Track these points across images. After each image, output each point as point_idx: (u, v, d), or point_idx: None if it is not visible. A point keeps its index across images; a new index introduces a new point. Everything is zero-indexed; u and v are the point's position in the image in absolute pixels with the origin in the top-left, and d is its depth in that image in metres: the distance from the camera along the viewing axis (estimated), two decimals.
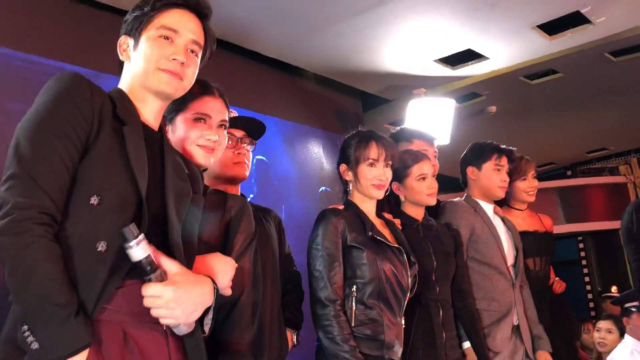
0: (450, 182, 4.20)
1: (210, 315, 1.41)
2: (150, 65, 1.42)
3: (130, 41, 1.46)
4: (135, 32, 1.45)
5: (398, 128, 3.08)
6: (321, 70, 4.42)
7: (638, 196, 7.06)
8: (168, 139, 1.54)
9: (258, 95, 4.03)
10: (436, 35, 3.94)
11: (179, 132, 1.72)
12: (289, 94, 4.33)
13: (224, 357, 1.63)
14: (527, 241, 3.06)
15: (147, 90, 1.44)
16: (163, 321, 1.28)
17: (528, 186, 3.16)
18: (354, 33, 3.80)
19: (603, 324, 4.27)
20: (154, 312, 1.26)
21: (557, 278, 3.19)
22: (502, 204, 3.24)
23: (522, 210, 3.22)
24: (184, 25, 1.46)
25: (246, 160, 2.06)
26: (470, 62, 4.40)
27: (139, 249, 1.20)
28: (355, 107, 5.01)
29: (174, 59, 1.43)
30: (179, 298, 1.26)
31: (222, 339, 1.65)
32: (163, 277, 1.26)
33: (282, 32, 3.71)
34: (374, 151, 2.27)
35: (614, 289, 6.42)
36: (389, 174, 2.29)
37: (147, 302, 1.25)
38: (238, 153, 2.03)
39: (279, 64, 4.20)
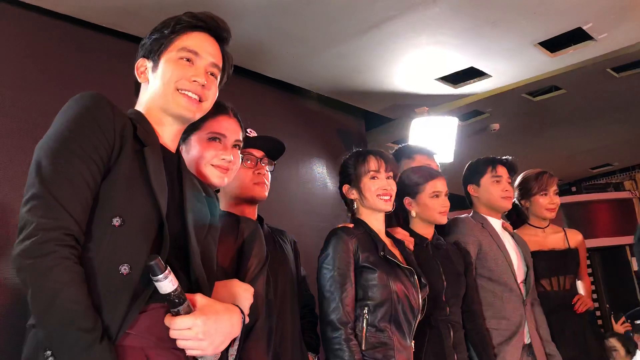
0: (455, 200, 4.18)
1: (236, 346, 1.39)
2: (169, 87, 1.41)
3: (149, 64, 1.46)
4: (154, 55, 1.44)
5: (398, 146, 3.08)
6: (324, 90, 4.41)
7: None
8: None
9: (261, 116, 4.02)
10: (438, 54, 3.94)
11: (193, 151, 1.70)
12: (291, 114, 4.33)
13: None
14: (541, 261, 3.00)
15: (165, 113, 1.43)
16: (190, 352, 1.26)
17: (549, 202, 3.11)
18: (356, 53, 3.80)
19: (608, 342, 4.23)
20: (181, 344, 1.24)
21: (580, 295, 3.09)
22: (522, 222, 3.20)
23: (542, 227, 3.17)
24: (204, 48, 1.46)
25: (266, 181, 2.05)
26: (472, 80, 4.39)
27: (167, 282, 1.18)
28: (358, 126, 5.00)
29: (194, 81, 1.42)
30: (208, 330, 1.25)
31: None
32: (191, 309, 1.25)
33: (285, 53, 3.71)
34: (373, 163, 2.27)
35: None
36: (392, 185, 2.28)
37: (175, 334, 1.23)
38: (258, 173, 2.02)
39: (282, 84, 4.20)
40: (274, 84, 4.17)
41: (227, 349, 1.36)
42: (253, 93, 4.06)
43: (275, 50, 3.68)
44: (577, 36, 3.81)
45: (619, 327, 3.98)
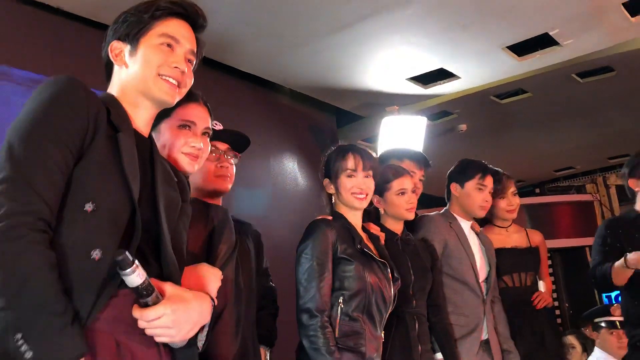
0: (422, 199, 4.27)
1: (204, 332, 1.41)
2: (151, 72, 1.42)
3: (126, 47, 1.45)
4: (132, 38, 1.44)
5: (392, 148, 3.11)
6: (297, 87, 4.46)
7: (604, 214, 7.23)
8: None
9: (233, 110, 4.04)
10: (409, 55, 4.02)
11: (163, 138, 1.71)
12: (264, 109, 4.36)
13: None
14: (503, 258, 3.09)
15: (143, 97, 1.44)
16: (158, 339, 1.28)
17: (507, 204, 3.19)
18: (330, 51, 3.86)
19: (565, 340, 4.37)
20: (150, 332, 1.25)
21: (540, 291, 3.20)
22: (485, 222, 3.28)
23: (504, 227, 3.27)
24: (182, 34, 1.48)
25: (229, 174, 2.06)
26: (441, 81, 4.48)
27: (135, 276, 1.18)
28: (330, 123, 5.06)
29: (175, 67, 1.44)
30: (177, 319, 1.26)
31: (207, 353, 1.61)
32: (159, 298, 1.25)
33: (260, 47, 3.75)
34: (351, 162, 2.32)
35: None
36: (369, 183, 2.33)
37: (143, 325, 1.24)
38: (221, 166, 2.03)
39: (255, 79, 4.23)
40: (247, 78, 4.20)
41: (196, 335, 1.37)
42: (226, 86, 4.08)
43: (250, 44, 3.70)
44: (544, 41, 3.93)
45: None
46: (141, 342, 1.27)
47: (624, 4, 3.54)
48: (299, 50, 3.84)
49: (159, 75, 1.43)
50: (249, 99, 4.25)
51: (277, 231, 3.75)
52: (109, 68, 1.50)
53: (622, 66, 4.40)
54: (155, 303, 1.24)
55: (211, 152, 2.00)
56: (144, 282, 1.20)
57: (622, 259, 2.65)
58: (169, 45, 1.45)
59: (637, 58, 4.22)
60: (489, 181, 2.95)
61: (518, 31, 3.78)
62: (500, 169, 3.12)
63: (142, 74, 1.43)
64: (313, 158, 4.52)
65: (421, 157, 2.99)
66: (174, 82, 1.45)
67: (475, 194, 2.93)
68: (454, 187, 3.01)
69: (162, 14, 1.46)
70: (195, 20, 1.54)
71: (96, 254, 1.19)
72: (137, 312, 1.24)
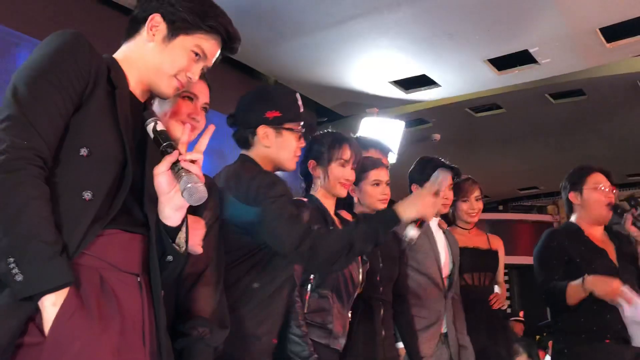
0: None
1: (183, 236, 1.47)
2: (169, 70, 1.47)
3: (164, 29, 1.48)
4: (174, 28, 1.48)
5: (356, 136, 3.19)
6: (281, 79, 4.52)
7: None
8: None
9: (217, 94, 4.07)
10: (394, 58, 4.12)
11: (165, 107, 1.76)
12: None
13: (191, 322, 1.68)
14: (465, 257, 3.20)
15: (147, 79, 1.49)
16: (192, 168, 1.34)
17: (469, 207, 3.30)
18: (319, 46, 3.94)
19: (515, 347, 4.53)
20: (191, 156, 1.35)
21: (497, 292, 3.33)
22: (449, 224, 3.40)
23: (467, 229, 3.39)
24: (212, 54, 1.53)
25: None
26: (422, 88, 4.60)
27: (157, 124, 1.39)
28: (309, 119, 5.12)
29: (189, 77, 1.49)
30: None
31: (187, 307, 1.72)
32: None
33: (251, 36, 3.78)
34: (347, 153, 2.36)
35: (521, 313, 6.82)
36: (354, 176, 2.41)
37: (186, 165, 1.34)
38: (300, 147, 2.16)
39: (240, 66, 4.29)
40: (232, 65, 4.25)
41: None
42: (212, 70, 4.11)
43: (242, 32, 3.74)
44: (524, 58, 4.08)
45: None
46: (123, 279, 1.34)
47: (600, 29, 3.71)
48: (288, 43, 3.91)
49: (174, 76, 1.49)
50: (232, 85, 4.28)
51: None
52: (135, 25, 1.52)
53: (594, 91, 4.60)
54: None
55: (295, 131, 2.11)
56: (164, 131, 1.40)
57: (580, 280, 2.66)
58: (197, 55, 1.50)
59: (607, 84, 4.43)
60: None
61: (501, 45, 3.92)
62: (455, 166, 3.16)
63: (161, 65, 1.48)
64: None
65: (384, 145, 3.08)
66: (180, 85, 1.52)
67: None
68: (415, 188, 3.09)
69: (212, 30, 1.50)
70: (230, 50, 1.60)
71: (87, 195, 1.27)
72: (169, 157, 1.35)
